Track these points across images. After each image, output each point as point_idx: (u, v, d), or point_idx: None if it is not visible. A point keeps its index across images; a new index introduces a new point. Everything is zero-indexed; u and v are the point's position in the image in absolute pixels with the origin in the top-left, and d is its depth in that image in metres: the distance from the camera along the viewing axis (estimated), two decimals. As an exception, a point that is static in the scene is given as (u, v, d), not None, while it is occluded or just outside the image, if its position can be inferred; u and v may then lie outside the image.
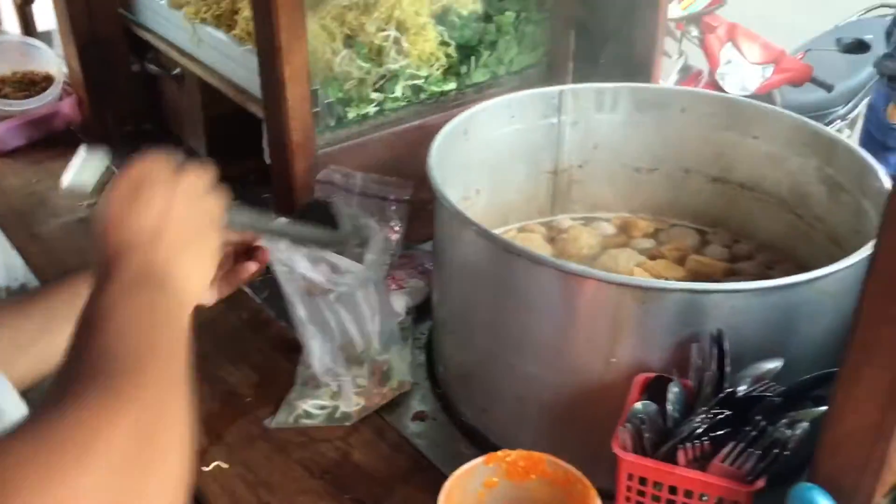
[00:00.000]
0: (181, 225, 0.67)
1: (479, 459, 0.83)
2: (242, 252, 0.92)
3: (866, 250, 0.88)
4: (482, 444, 1.03)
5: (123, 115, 1.72)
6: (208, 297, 0.89)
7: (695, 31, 3.57)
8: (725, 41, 3.50)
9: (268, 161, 1.41)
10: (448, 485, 0.81)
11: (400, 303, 1.22)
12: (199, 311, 1.29)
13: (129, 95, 1.72)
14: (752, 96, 3.52)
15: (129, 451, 0.49)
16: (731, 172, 1.27)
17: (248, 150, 1.46)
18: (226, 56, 1.39)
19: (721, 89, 3.52)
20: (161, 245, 0.65)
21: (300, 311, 1.03)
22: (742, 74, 3.50)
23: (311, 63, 1.21)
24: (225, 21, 1.42)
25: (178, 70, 1.57)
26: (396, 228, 1.17)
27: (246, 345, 1.18)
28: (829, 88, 3.41)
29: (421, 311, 1.25)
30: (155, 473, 0.50)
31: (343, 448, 1.03)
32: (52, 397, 0.52)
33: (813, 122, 1.18)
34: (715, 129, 1.25)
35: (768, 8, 4.84)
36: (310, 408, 1.06)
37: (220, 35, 1.40)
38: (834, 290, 0.88)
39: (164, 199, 0.67)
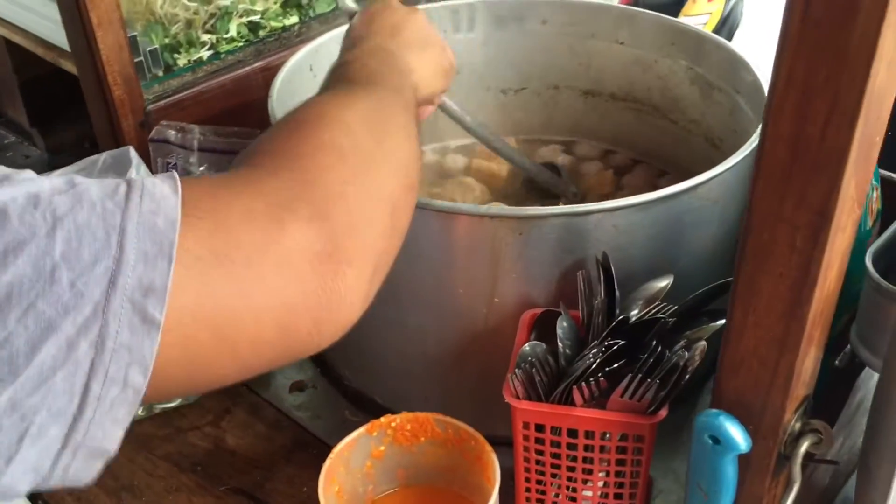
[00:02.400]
0: (418, 29, 0.78)
1: (361, 429, 0.75)
2: None
3: (744, 150, 0.83)
4: (370, 409, 0.94)
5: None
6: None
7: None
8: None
9: (97, 125, 1.25)
10: (328, 464, 0.72)
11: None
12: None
13: None
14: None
15: (369, 115, 0.59)
16: (601, 84, 1.20)
17: (76, 114, 1.29)
18: (26, 8, 1.22)
19: None
20: (398, 38, 0.75)
21: None
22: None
23: (128, 6, 1.06)
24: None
25: None
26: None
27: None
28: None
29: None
30: (387, 143, 0.58)
31: (214, 434, 0.93)
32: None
33: (677, 20, 1.12)
34: (579, 39, 1.17)
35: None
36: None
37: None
38: (717, 195, 0.82)
39: (405, 12, 0.79)
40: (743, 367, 0.56)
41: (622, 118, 1.20)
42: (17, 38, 1.24)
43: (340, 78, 0.67)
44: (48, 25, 1.18)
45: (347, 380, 0.98)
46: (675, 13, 3.18)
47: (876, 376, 0.71)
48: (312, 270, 0.46)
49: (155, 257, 0.40)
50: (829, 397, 0.74)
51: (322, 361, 1.01)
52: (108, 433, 0.40)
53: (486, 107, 1.24)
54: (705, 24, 2.87)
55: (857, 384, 0.71)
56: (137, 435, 0.92)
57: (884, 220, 0.76)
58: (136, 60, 1.06)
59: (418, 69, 0.75)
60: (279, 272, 0.45)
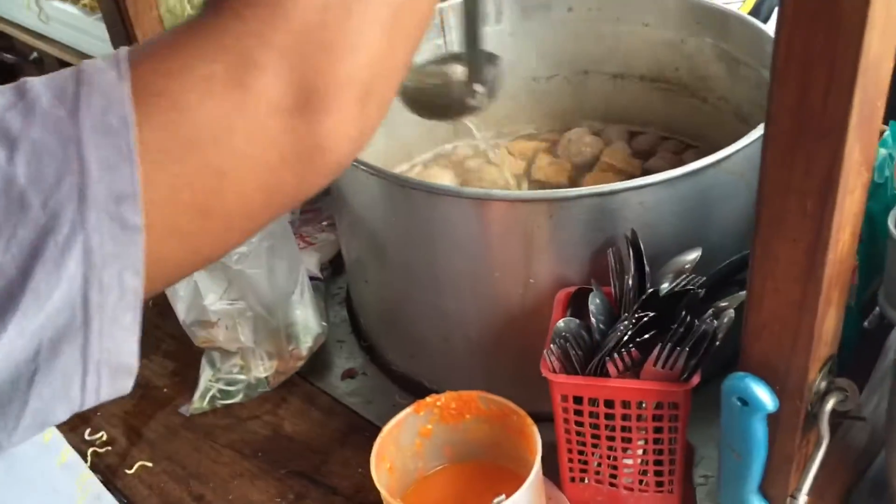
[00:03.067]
0: None
1: (409, 409, 0.79)
2: None
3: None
4: (416, 391, 0.98)
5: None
6: None
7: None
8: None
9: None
10: (379, 442, 0.76)
11: (312, 261, 1.16)
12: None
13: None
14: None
15: None
16: (629, 66, 1.22)
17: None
18: (78, 30, 1.28)
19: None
20: None
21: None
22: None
23: (168, 24, 1.12)
24: (71, -7, 1.31)
25: (34, 55, 1.45)
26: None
27: (155, 332, 1.11)
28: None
29: (335, 265, 1.19)
30: None
31: (273, 422, 0.98)
32: None
33: (701, 0, 1.13)
34: (606, 23, 1.19)
35: None
36: (223, 385, 1.00)
37: (67, 8, 1.29)
38: (742, 168, 0.84)
39: None
40: (766, 330, 0.58)
41: (652, 99, 1.22)
42: (71, 59, 1.31)
43: None
44: (101, 45, 1.24)
45: (395, 365, 1.02)
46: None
47: (906, 336, 0.73)
48: (285, 128, 0.42)
49: (117, 163, 0.39)
50: (861, 358, 0.76)
51: (371, 349, 1.06)
52: (121, 344, 0.40)
53: (517, 96, 1.27)
54: (741, 6, 2.85)
55: (886, 344, 0.73)
56: (201, 425, 0.98)
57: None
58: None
59: None
60: (251, 140, 0.42)
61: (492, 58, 0.90)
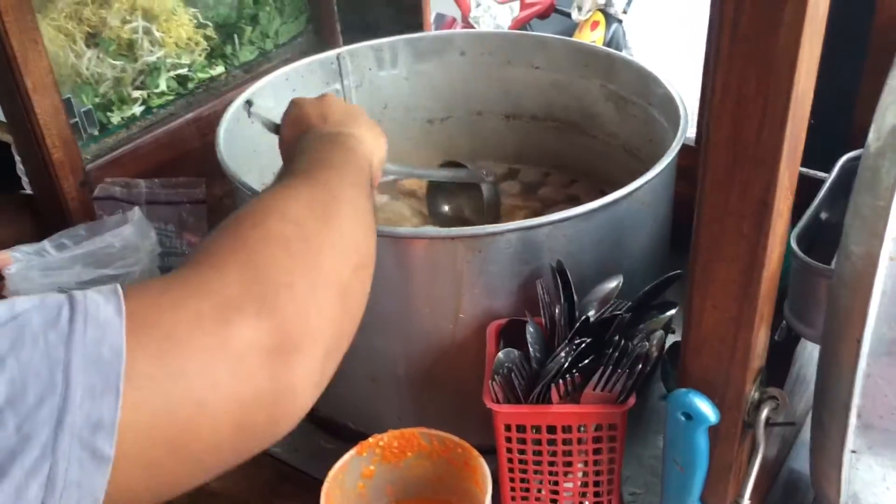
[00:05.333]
0: (340, 107, 0.79)
1: (352, 452, 0.78)
2: None
3: (667, 157, 0.90)
4: (343, 435, 0.97)
5: None
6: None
7: (440, -20, 3.61)
8: (471, -15, 3.57)
9: (28, 189, 1.25)
10: (326, 487, 0.75)
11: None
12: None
13: None
14: (508, 34, 3.63)
15: (314, 201, 0.58)
16: (521, 107, 1.27)
17: (4, 181, 1.28)
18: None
19: (477, 32, 3.60)
20: (329, 120, 0.76)
21: None
22: (493, 14, 3.59)
23: (55, 70, 1.07)
24: (-64, 40, 1.22)
25: None
26: (198, 233, 1.07)
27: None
28: (570, 16, 3.59)
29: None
30: (333, 223, 0.57)
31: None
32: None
33: (588, 43, 1.21)
34: (497, 67, 1.25)
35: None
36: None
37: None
38: (649, 198, 0.90)
39: (320, 100, 0.80)
40: (705, 346, 0.63)
41: (544, 137, 1.28)
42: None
43: (284, 175, 0.66)
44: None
45: (317, 409, 1.00)
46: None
47: (810, 346, 0.80)
48: (263, 366, 0.46)
49: (102, 392, 0.39)
50: (770, 369, 0.82)
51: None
52: None
53: (413, 137, 1.30)
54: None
55: (795, 354, 0.79)
56: (117, 490, 0.92)
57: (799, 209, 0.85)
58: (71, 122, 1.07)
59: (365, 139, 0.75)
60: (232, 373, 0.44)
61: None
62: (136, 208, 0.97)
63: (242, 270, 0.48)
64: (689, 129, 0.96)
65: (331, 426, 0.99)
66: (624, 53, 1.19)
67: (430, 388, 0.91)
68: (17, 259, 0.92)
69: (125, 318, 0.42)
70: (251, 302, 0.47)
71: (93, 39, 1.17)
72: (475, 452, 0.77)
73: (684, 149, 0.92)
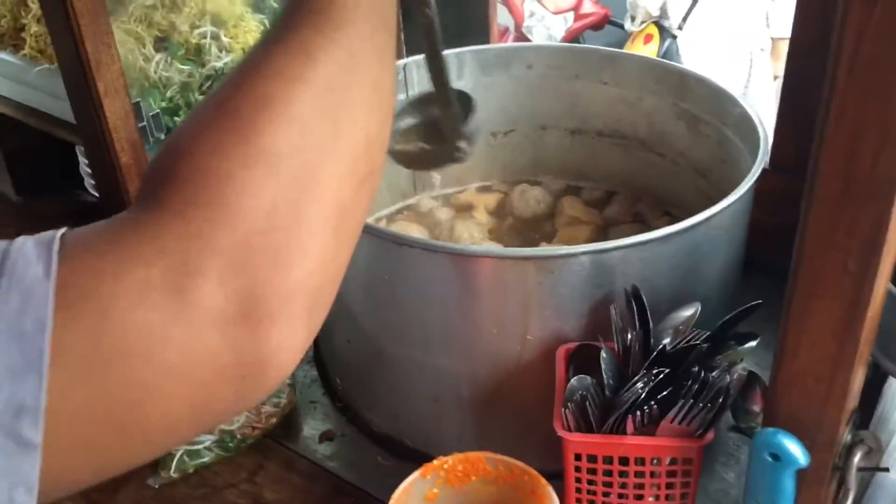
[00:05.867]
0: None
1: (416, 474, 0.76)
2: None
3: (747, 182, 0.87)
4: (400, 452, 0.96)
5: None
6: None
7: (495, -11, 3.60)
8: (526, -5, 3.56)
9: (92, 190, 1.26)
10: (389, 510, 0.74)
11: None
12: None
13: None
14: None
15: (328, 89, 0.44)
16: (587, 122, 1.25)
17: (66, 182, 1.30)
18: (18, 81, 1.22)
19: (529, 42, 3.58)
20: None
21: None
22: (547, 25, 3.57)
23: (125, 73, 1.08)
24: (9, 41, 1.24)
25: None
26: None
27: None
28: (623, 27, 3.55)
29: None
30: (344, 127, 0.44)
31: (252, 491, 0.93)
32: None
33: (661, 60, 1.18)
34: (564, 81, 1.22)
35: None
36: (188, 446, 0.94)
37: (6, 57, 1.22)
38: (727, 223, 0.87)
39: None
40: (797, 384, 0.60)
41: (609, 154, 1.25)
42: (6, 110, 1.24)
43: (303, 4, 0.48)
44: (42, 97, 1.18)
45: (375, 425, 0.99)
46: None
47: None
48: (226, 341, 0.38)
49: (23, 372, 0.35)
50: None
51: (347, 409, 1.02)
52: None
53: (476, 150, 1.28)
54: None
55: (881, 394, 0.76)
56: (173, 497, 0.92)
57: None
58: (139, 125, 1.07)
59: None
60: (185, 354, 0.38)
61: (467, 100, 0.90)
62: None
63: (210, 211, 0.39)
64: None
65: (388, 443, 0.98)
66: (697, 71, 1.15)
67: (494, 409, 0.89)
68: None
69: (55, 285, 0.36)
70: (213, 259, 0.38)
71: (162, 43, 1.18)
72: (543, 481, 0.74)
73: (763, 172, 0.89)
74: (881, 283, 0.55)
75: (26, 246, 0.37)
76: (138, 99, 1.08)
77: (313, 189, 0.42)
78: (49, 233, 0.38)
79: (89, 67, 0.98)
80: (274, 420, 0.99)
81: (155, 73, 1.16)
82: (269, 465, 0.96)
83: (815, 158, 0.52)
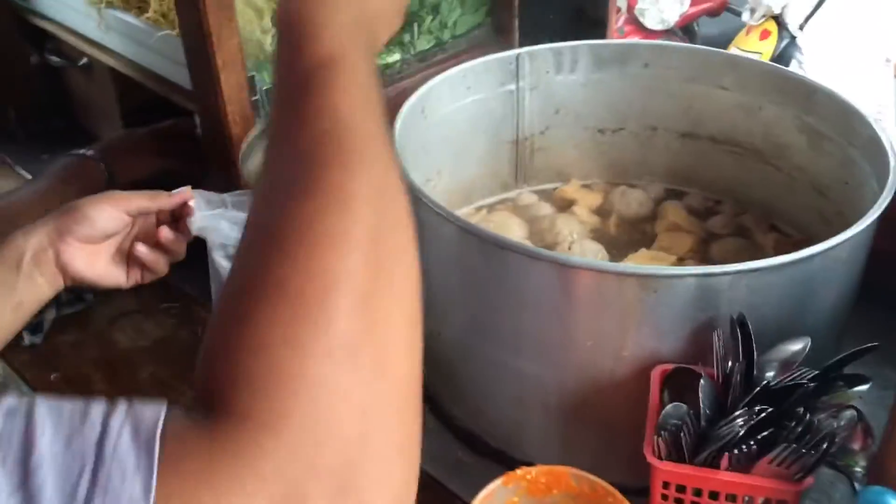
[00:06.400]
0: None
1: (498, 482, 0.76)
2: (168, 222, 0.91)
3: (875, 211, 0.82)
4: (481, 450, 0.96)
5: (26, 112, 1.56)
6: (122, 279, 0.89)
7: (610, -32, 3.50)
8: (642, -24, 3.45)
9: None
10: (468, 515, 0.74)
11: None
12: (149, 331, 1.19)
13: (30, 91, 1.55)
14: (672, 30, 3.50)
15: (373, 243, 0.40)
16: (700, 126, 1.21)
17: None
18: (139, 43, 1.25)
19: (641, 26, 3.48)
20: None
21: None
22: (660, 8, 3.45)
23: (246, 51, 1.09)
24: (135, 4, 1.27)
25: (84, 60, 1.42)
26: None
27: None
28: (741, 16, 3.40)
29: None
30: (397, 280, 0.42)
31: None
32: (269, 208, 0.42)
33: (787, 69, 1.13)
34: (681, 83, 1.18)
35: (675, -63, 4.78)
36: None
37: (131, 20, 1.25)
38: (846, 255, 0.83)
39: None
40: (914, 448, 0.57)
41: (721, 161, 1.20)
42: (126, 70, 1.27)
43: (334, 125, 0.44)
44: (161, 61, 1.21)
45: (458, 420, 0.99)
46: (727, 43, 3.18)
47: None
48: None
49: None
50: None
51: (431, 399, 1.03)
52: None
53: (581, 146, 1.26)
54: (761, 57, 2.86)
55: None
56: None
57: None
58: (252, 98, 1.09)
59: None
60: None
61: None
62: None
63: (304, 425, 0.36)
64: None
65: (470, 439, 0.97)
66: (823, 83, 1.09)
67: (580, 420, 0.88)
68: (199, 203, 0.91)
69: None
70: (321, 483, 0.35)
71: (279, 17, 1.18)
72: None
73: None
74: None
75: (122, 445, 0.34)
76: (253, 72, 1.10)
77: (390, 372, 0.40)
78: (149, 419, 0.35)
79: (210, 40, 1.00)
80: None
81: (271, 46, 1.16)
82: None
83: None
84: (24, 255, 0.82)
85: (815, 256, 0.78)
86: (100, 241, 0.87)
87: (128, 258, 0.90)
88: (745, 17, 3.08)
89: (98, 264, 0.87)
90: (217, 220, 0.91)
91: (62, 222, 0.84)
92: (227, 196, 0.95)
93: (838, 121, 1.03)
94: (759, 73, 1.12)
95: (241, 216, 0.92)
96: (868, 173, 0.96)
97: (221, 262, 0.92)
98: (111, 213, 0.86)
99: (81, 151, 1.20)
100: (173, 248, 0.91)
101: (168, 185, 0.94)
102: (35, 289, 0.83)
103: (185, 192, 0.91)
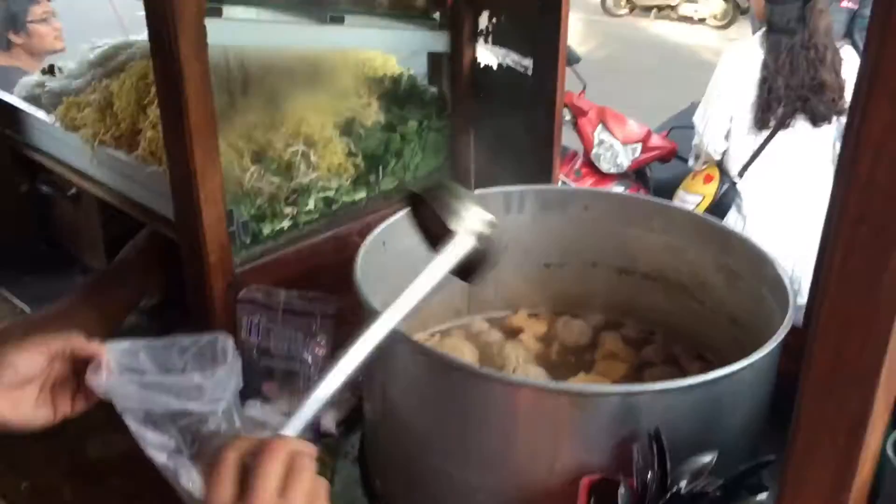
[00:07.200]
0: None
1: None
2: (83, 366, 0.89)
3: (773, 341, 0.94)
4: (428, 560, 1.02)
5: (12, 237, 1.66)
6: (50, 416, 0.89)
7: (567, 115, 3.77)
8: (596, 123, 3.72)
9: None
10: None
11: (328, 417, 1.21)
12: (117, 444, 1.24)
13: (18, 217, 1.65)
14: (626, 173, 3.74)
15: None
16: (635, 263, 1.34)
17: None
18: (127, 177, 1.37)
19: (597, 169, 3.72)
20: None
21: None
22: (614, 154, 3.71)
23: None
24: (126, 141, 1.40)
25: (73, 190, 1.53)
26: (323, 344, 1.17)
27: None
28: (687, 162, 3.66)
29: (348, 423, 1.24)
30: None
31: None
32: None
33: (707, 217, 1.28)
34: (617, 224, 1.32)
35: (629, 88, 5.15)
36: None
37: (121, 156, 1.38)
38: (752, 378, 0.94)
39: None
40: (791, 542, 0.66)
41: (653, 295, 1.33)
42: (113, 201, 1.39)
43: None
44: (147, 194, 1.32)
45: (408, 529, 1.06)
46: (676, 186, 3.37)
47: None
48: None
49: None
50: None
51: (386, 497, 1.09)
52: None
53: (529, 278, 1.38)
54: (698, 203, 3.08)
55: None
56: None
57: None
58: (230, 230, 1.20)
59: None
60: None
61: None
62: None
63: None
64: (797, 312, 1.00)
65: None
66: (737, 226, 1.24)
67: (518, 528, 0.96)
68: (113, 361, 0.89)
69: None
70: None
71: (257, 157, 1.32)
72: None
73: (792, 329, 0.96)
74: (867, 458, 0.62)
75: None
76: (231, 207, 1.22)
77: None
78: None
79: (195, 176, 1.12)
80: None
81: (248, 183, 1.29)
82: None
83: (809, 345, 0.60)
84: None
85: (721, 379, 0.90)
86: (21, 386, 0.87)
87: (51, 394, 0.89)
88: (691, 162, 3.33)
89: (23, 407, 0.87)
90: (125, 386, 0.89)
91: None
92: (143, 344, 0.92)
93: (749, 262, 1.17)
94: (683, 219, 1.27)
95: (151, 378, 0.90)
96: (775, 309, 1.09)
97: (132, 424, 0.89)
98: (32, 357, 0.87)
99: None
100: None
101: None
102: None
103: (98, 350, 0.89)
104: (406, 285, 1.27)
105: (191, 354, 0.91)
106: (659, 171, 3.82)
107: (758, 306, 1.15)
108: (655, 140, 3.73)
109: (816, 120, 2.81)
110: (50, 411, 0.89)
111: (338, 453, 1.20)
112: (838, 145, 2.94)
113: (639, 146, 3.69)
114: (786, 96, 2.81)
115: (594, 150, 3.69)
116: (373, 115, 1.43)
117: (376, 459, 1.13)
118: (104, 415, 1.28)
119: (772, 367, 0.99)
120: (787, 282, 1.06)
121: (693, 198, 3.08)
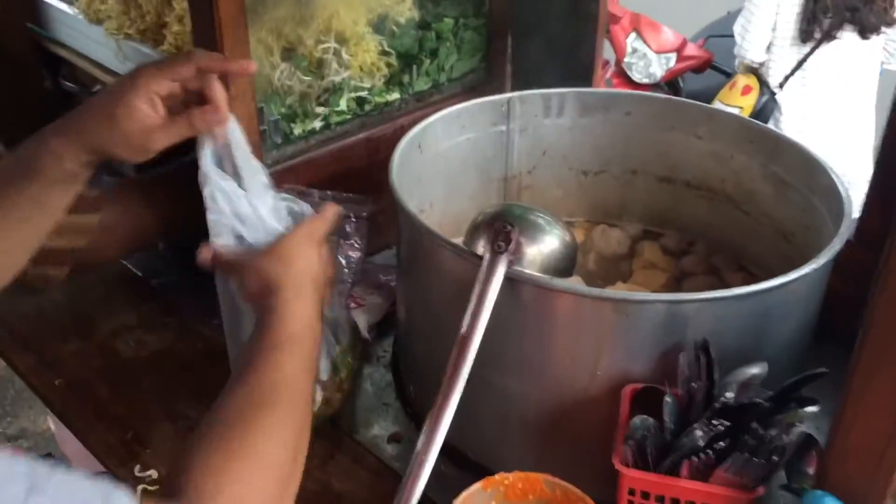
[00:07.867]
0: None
1: (477, 485, 0.82)
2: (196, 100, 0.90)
3: (828, 252, 0.90)
4: (462, 463, 1.02)
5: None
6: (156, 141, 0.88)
7: (600, 22, 3.64)
8: (629, 31, 3.59)
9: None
10: (449, 515, 0.80)
11: (361, 321, 1.20)
12: (150, 344, 1.24)
13: (42, 115, 1.61)
14: (658, 84, 3.63)
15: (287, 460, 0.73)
16: (677, 172, 1.29)
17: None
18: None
19: (628, 78, 3.61)
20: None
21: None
22: (647, 63, 3.59)
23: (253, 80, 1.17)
24: (151, 35, 1.35)
25: (97, 87, 1.49)
26: (357, 245, 1.15)
27: (204, 377, 1.13)
28: (728, 75, 3.54)
29: (381, 327, 1.23)
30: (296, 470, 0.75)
31: (321, 478, 1.00)
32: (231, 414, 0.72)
33: (756, 122, 1.22)
34: (660, 131, 1.27)
35: (664, -4, 4.97)
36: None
37: (146, 50, 1.33)
38: (804, 291, 0.91)
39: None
40: (851, 455, 0.64)
41: (695, 205, 1.29)
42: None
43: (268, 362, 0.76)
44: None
45: (441, 434, 1.05)
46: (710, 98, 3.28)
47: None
48: None
49: None
50: None
51: (417, 416, 1.09)
52: None
53: (566, 186, 1.34)
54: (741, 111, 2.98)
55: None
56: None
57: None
58: (260, 128, 1.16)
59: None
60: None
61: None
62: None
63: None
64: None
65: (452, 453, 1.03)
66: (791, 136, 1.19)
67: (556, 435, 0.94)
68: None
69: None
70: None
71: (288, 54, 1.27)
72: (596, 509, 0.79)
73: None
74: (941, 371, 0.58)
75: None
76: (261, 104, 1.17)
77: (275, 476, 0.72)
78: None
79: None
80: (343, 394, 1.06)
81: (278, 80, 1.24)
82: (339, 457, 1.03)
83: (888, 249, 0.57)
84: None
85: (772, 290, 0.86)
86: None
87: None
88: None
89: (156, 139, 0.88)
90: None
91: (97, 142, 0.91)
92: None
93: (801, 170, 1.12)
94: (731, 124, 1.21)
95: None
96: (826, 219, 1.04)
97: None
98: (141, 109, 0.86)
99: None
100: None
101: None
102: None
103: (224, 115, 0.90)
104: (441, 188, 1.24)
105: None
106: (692, 82, 3.70)
107: (808, 217, 1.11)
108: (691, 49, 3.60)
109: (865, 31, 2.68)
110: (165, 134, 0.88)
111: (371, 356, 1.19)
112: (885, 56, 2.83)
113: (673, 56, 3.57)
114: (833, 6, 2.68)
115: (626, 59, 3.57)
116: (407, 10, 1.36)
117: (409, 364, 1.12)
118: (135, 317, 1.29)
119: (823, 279, 0.95)
120: (842, 190, 1.01)
121: (730, 110, 2.99)
